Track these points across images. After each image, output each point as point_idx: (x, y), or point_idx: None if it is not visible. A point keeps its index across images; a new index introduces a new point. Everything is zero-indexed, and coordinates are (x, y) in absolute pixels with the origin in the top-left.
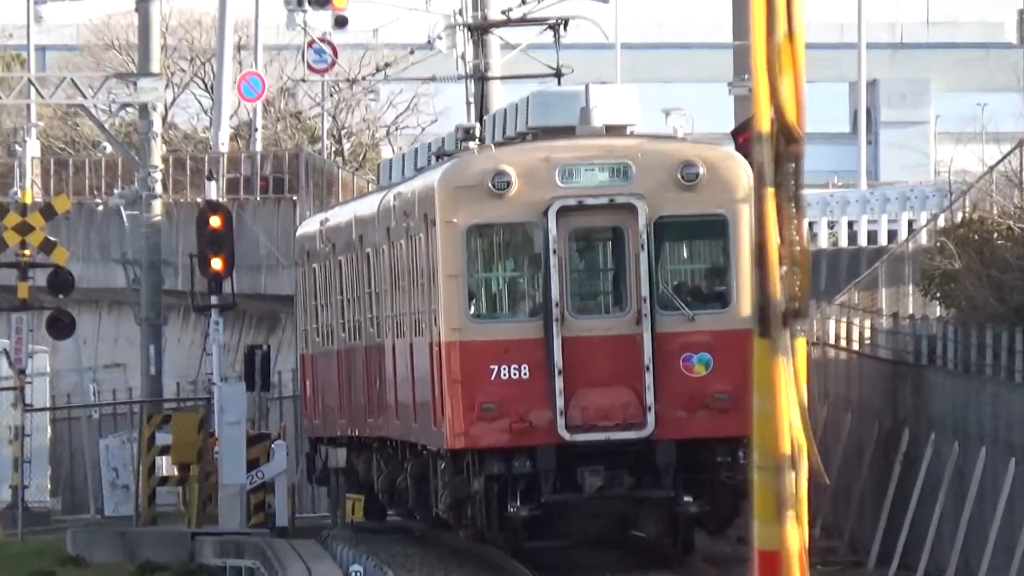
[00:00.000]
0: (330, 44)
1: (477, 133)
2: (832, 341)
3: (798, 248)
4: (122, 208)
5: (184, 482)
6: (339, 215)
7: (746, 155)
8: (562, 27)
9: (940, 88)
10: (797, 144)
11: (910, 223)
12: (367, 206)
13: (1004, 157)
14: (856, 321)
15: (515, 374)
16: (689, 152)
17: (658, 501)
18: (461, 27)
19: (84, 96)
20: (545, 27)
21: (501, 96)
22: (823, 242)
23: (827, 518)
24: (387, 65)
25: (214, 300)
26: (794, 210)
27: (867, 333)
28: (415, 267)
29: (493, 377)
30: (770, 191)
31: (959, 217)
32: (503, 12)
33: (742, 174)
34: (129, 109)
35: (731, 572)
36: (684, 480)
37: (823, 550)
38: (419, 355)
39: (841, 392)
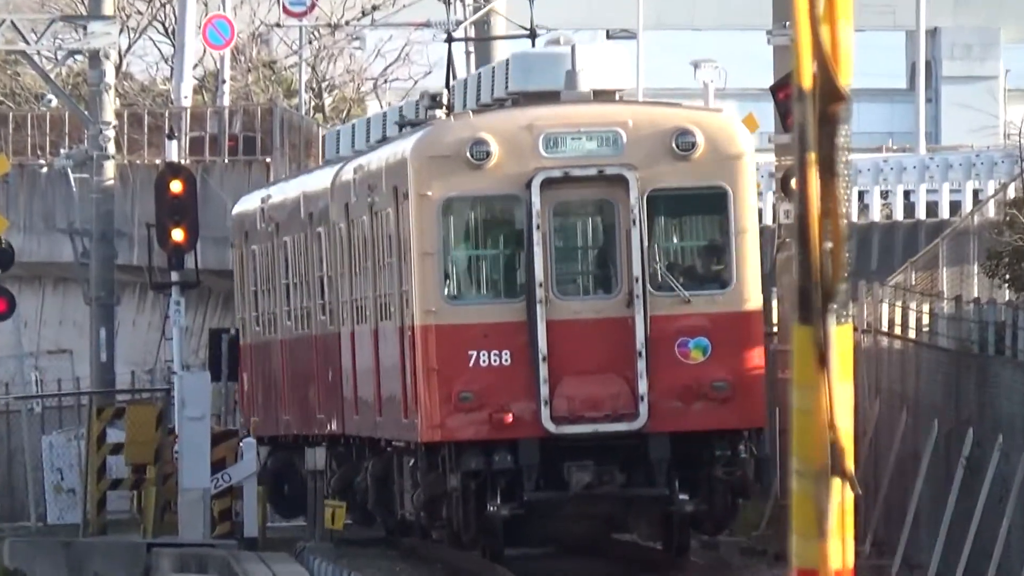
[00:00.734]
0: None
1: (445, 100)
2: (885, 328)
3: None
4: (69, 171)
5: (139, 486)
6: (284, 191)
7: (786, 113)
8: None
9: (1011, 39)
10: (842, 102)
11: (975, 193)
12: (318, 181)
13: None
14: (913, 305)
15: (495, 361)
16: (684, 119)
17: (651, 499)
18: None
19: (26, 41)
20: None
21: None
22: (875, 214)
23: (878, 532)
24: (374, 8)
25: (175, 277)
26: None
27: (925, 319)
28: (381, 246)
29: (471, 364)
30: (812, 156)
31: None
32: None
33: (742, 143)
34: (78, 57)
35: None
36: (679, 476)
37: (873, 569)
38: (385, 341)
39: (895, 387)
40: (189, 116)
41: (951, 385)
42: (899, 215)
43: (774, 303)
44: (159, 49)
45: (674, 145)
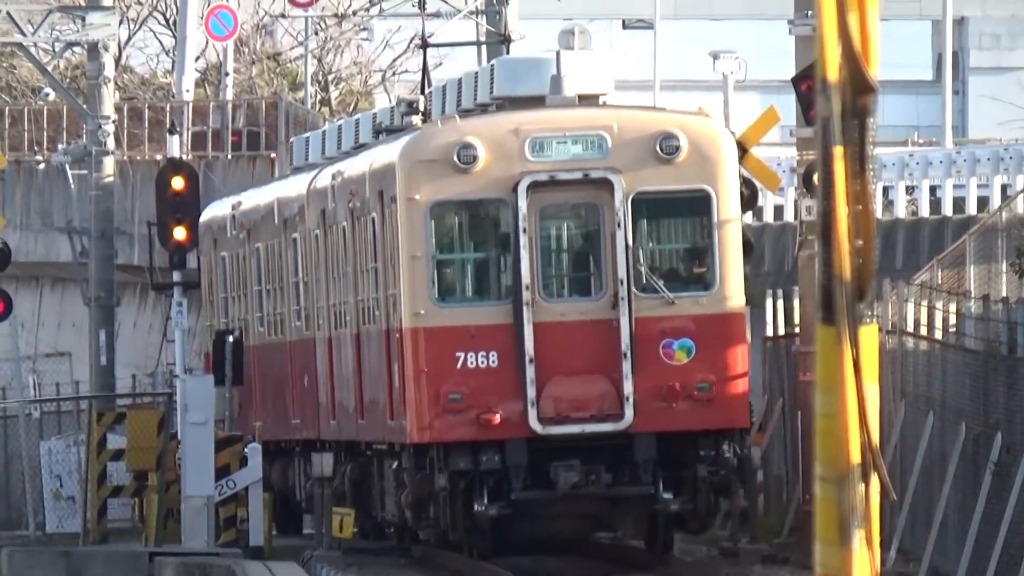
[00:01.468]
0: None
1: (421, 107)
2: (910, 328)
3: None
4: (67, 167)
5: (141, 493)
6: (255, 198)
7: (809, 105)
8: None
9: None
10: (869, 94)
11: (1004, 188)
12: (292, 188)
13: None
14: (939, 305)
15: (483, 362)
16: (668, 123)
17: (636, 499)
18: None
19: (22, 33)
20: None
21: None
22: (900, 210)
23: (903, 539)
24: None
25: (177, 276)
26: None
27: (952, 319)
28: (364, 250)
29: (459, 366)
30: (838, 150)
31: None
32: None
33: (725, 146)
34: (76, 49)
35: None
36: (664, 476)
37: None
38: (368, 345)
39: (920, 389)
40: (191, 110)
41: (979, 388)
42: (925, 211)
43: (795, 302)
44: (160, 41)
45: (658, 149)
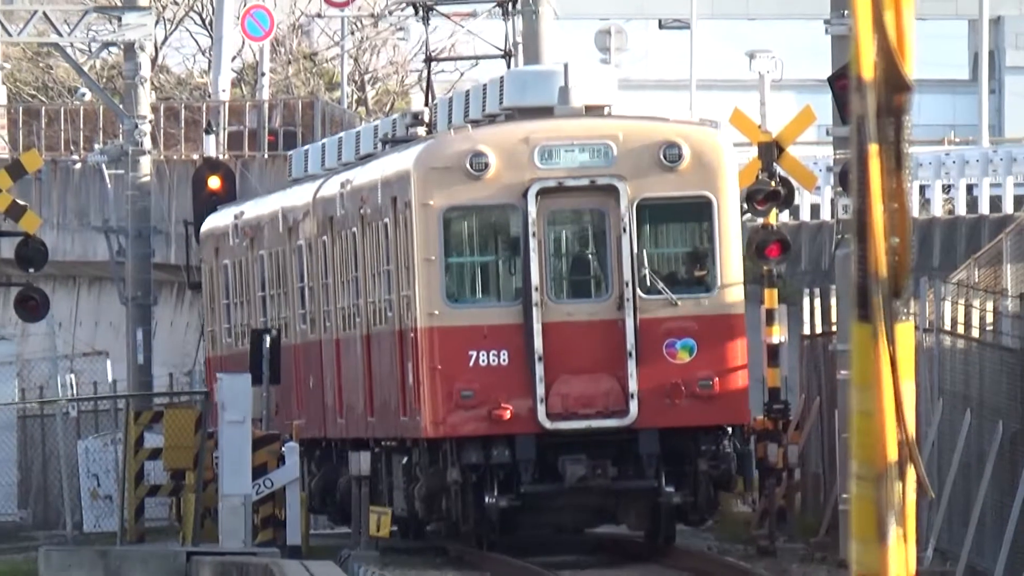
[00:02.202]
0: None
1: (427, 118)
2: (947, 327)
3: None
4: (104, 166)
5: (178, 492)
6: (259, 207)
7: (844, 105)
8: (510, 3)
9: None
10: (905, 92)
11: None
12: (297, 197)
13: None
14: (976, 303)
15: (494, 360)
16: (671, 132)
17: (640, 492)
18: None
19: (59, 33)
20: (494, 4)
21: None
22: (937, 209)
23: (940, 538)
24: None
25: None
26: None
27: (989, 317)
28: (376, 255)
29: (471, 363)
30: (874, 148)
31: None
32: None
33: (726, 155)
34: (112, 49)
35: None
36: (666, 470)
37: None
38: (380, 345)
39: (958, 388)
40: (227, 110)
41: (1016, 386)
42: (961, 210)
43: (832, 301)
44: (196, 41)
45: (662, 157)
